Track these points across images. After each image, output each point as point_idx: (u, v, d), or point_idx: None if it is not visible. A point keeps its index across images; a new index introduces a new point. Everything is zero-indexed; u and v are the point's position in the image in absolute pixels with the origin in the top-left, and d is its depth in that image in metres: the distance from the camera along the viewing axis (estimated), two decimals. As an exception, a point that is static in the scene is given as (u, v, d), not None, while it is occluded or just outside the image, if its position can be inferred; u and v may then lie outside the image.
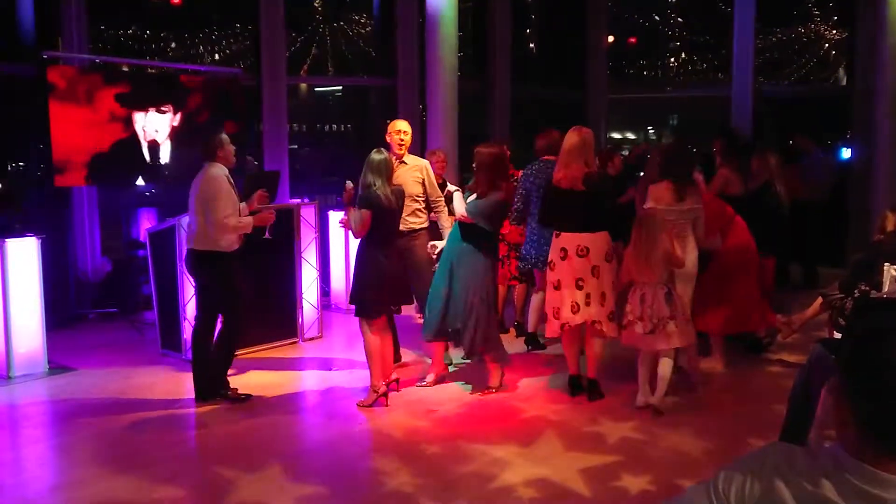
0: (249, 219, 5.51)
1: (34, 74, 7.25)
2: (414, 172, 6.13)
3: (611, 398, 5.45)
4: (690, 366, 5.78)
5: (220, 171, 5.41)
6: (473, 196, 5.59)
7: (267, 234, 5.79)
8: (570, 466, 4.42)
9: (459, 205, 5.70)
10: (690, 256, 5.57)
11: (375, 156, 5.26)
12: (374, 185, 5.20)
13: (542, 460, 4.51)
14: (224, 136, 5.58)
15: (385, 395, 5.35)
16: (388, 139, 6.18)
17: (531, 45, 11.93)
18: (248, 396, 5.54)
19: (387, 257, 5.32)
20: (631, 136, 17.90)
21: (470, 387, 5.76)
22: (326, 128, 15.07)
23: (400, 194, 5.42)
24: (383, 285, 5.30)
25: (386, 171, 5.27)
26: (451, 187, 6.52)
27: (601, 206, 5.38)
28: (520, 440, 4.79)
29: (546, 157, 6.38)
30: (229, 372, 5.64)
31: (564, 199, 5.41)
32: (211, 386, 5.50)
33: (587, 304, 5.35)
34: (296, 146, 13.00)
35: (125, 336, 7.37)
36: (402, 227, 6.05)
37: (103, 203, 8.79)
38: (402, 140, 6.11)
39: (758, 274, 6.16)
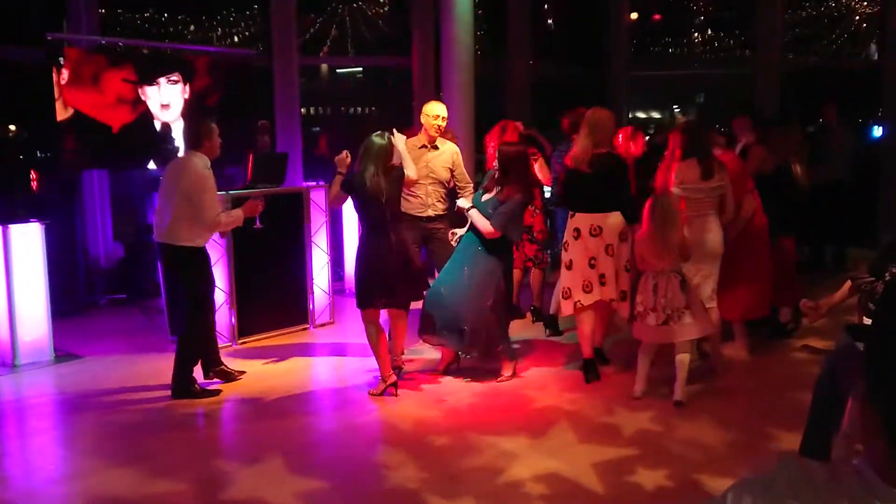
0: (238, 212, 5.33)
1: (41, 58, 7.12)
2: (444, 158, 5.99)
3: (628, 387, 5.22)
4: (713, 352, 5.56)
5: (203, 162, 5.18)
6: (490, 195, 5.37)
7: (257, 223, 5.57)
8: (582, 460, 4.23)
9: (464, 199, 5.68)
10: (716, 236, 5.33)
11: (376, 140, 5.02)
12: (366, 170, 4.98)
13: (554, 453, 4.32)
14: (213, 126, 5.29)
15: (394, 384, 5.17)
16: (422, 121, 5.97)
17: (549, 22, 11.63)
18: (218, 391, 5.35)
19: (378, 247, 5.07)
20: (656, 115, 17.56)
21: (478, 379, 5.57)
22: (352, 110, 14.91)
23: (396, 181, 5.12)
24: (371, 275, 5.07)
25: (383, 157, 5.04)
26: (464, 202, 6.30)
27: (610, 187, 5.32)
28: (531, 431, 4.61)
29: (574, 137, 6.17)
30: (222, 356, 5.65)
31: (575, 179, 5.41)
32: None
33: (602, 283, 5.33)
34: (318, 129, 12.89)
35: (135, 323, 7.28)
36: (426, 213, 5.90)
37: (117, 188, 8.70)
38: (440, 126, 5.94)
39: (773, 255, 5.89)
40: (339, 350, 6.36)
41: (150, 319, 7.21)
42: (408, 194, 5.91)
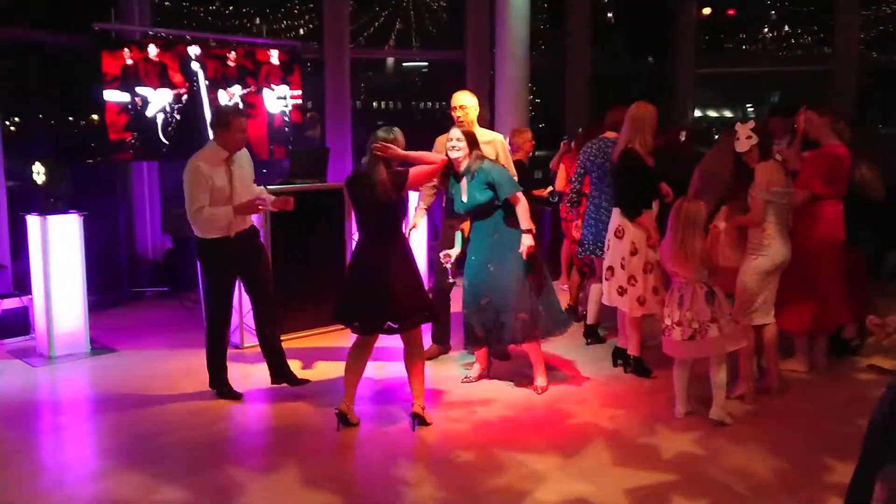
0: (227, 209, 4.88)
1: (87, 46, 7.10)
2: (485, 149, 5.64)
3: (673, 404, 4.87)
4: (769, 368, 5.16)
5: (205, 154, 4.92)
6: (466, 178, 5.01)
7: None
8: (615, 484, 3.92)
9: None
10: (783, 245, 4.93)
11: (381, 135, 4.52)
12: (369, 169, 4.49)
13: (585, 475, 4.02)
14: (231, 118, 4.95)
15: (343, 416, 4.57)
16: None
17: (609, 15, 11.24)
18: (239, 395, 5.15)
19: (368, 258, 4.49)
20: (728, 114, 16.94)
21: (513, 387, 5.29)
22: (422, 105, 14.77)
23: (396, 182, 4.45)
24: (356, 291, 4.52)
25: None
26: None
27: (630, 184, 5.27)
28: (563, 450, 4.31)
29: (606, 135, 5.85)
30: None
31: (614, 175, 5.47)
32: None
33: (632, 284, 5.34)
34: (381, 123, 12.77)
35: (176, 316, 7.21)
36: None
37: (167, 179, 8.67)
38: (460, 118, 5.59)
39: (846, 266, 5.44)
40: (373, 354, 6.14)
41: (191, 313, 7.14)
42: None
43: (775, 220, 4.87)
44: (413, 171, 4.54)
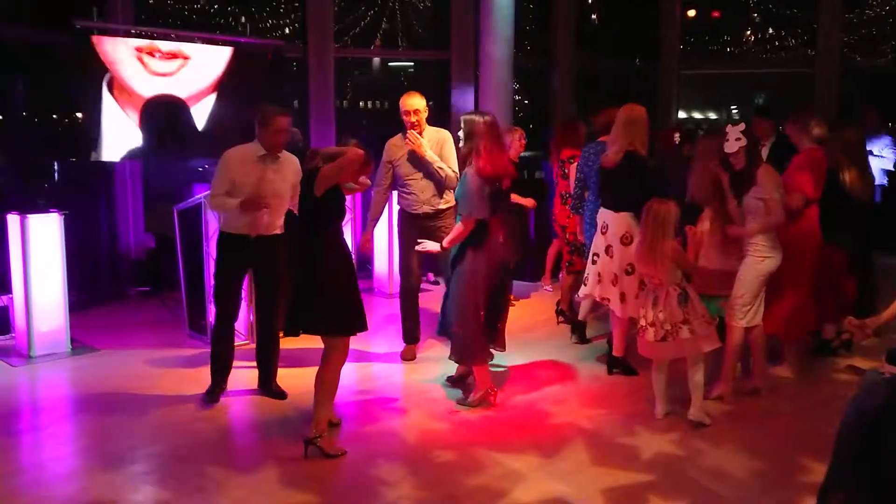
0: (233, 202, 4.79)
1: (68, 44, 7.06)
2: (433, 145, 5.65)
3: (654, 404, 4.88)
4: (755, 370, 5.17)
5: (235, 150, 4.92)
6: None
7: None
8: (592, 484, 3.94)
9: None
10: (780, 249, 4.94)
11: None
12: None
13: (563, 475, 4.04)
14: (271, 116, 4.85)
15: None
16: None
17: (593, 17, 11.29)
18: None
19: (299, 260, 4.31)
20: (713, 115, 17.01)
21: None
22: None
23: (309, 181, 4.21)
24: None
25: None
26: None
27: (625, 186, 5.25)
28: (542, 450, 4.32)
29: (603, 139, 5.85)
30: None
31: (601, 173, 5.47)
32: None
33: (598, 281, 5.42)
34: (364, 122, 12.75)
35: (158, 315, 7.18)
36: (422, 209, 5.63)
37: (152, 178, 8.64)
38: (415, 123, 5.57)
39: (821, 268, 5.45)
40: (353, 354, 6.13)
41: (173, 313, 7.11)
42: (403, 191, 5.71)
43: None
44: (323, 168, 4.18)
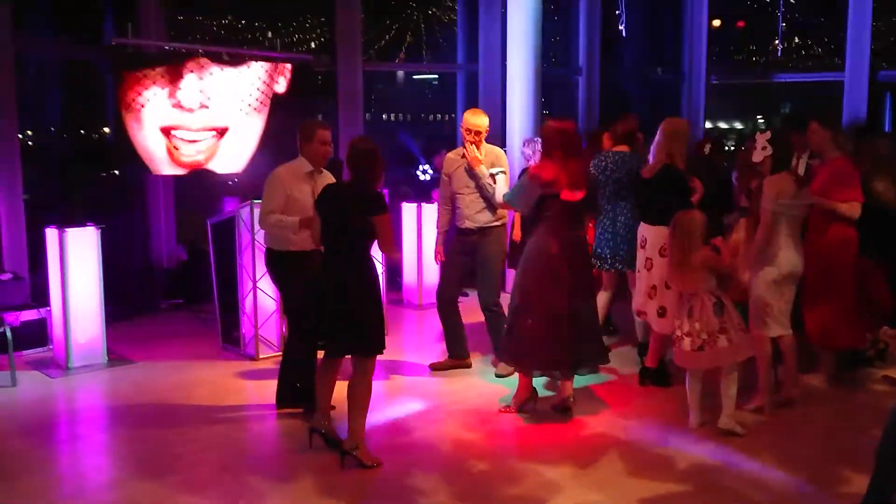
0: (292, 220, 4.76)
1: (104, 60, 7.19)
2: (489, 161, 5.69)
3: (686, 415, 4.88)
4: (785, 380, 5.13)
5: (285, 167, 4.91)
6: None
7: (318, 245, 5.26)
8: (628, 495, 3.94)
9: (501, 187, 5.54)
10: (794, 255, 4.90)
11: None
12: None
13: (599, 485, 4.04)
14: (317, 130, 4.90)
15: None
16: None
17: (620, 28, 11.30)
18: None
19: (328, 276, 4.23)
20: (739, 125, 16.95)
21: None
22: (431, 117, 14.85)
23: (369, 210, 4.14)
24: (317, 309, 4.24)
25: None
26: (494, 169, 5.67)
27: (663, 199, 5.24)
28: (578, 460, 4.33)
29: (618, 148, 5.89)
30: None
31: (639, 186, 5.54)
32: (290, 394, 5.01)
33: (647, 294, 5.41)
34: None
35: (192, 328, 7.26)
36: (465, 224, 5.66)
37: (186, 191, 8.74)
38: (474, 141, 5.59)
39: (861, 280, 5.40)
40: (388, 364, 6.17)
41: (206, 325, 7.19)
42: (453, 205, 5.77)
43: (785, 231, 4.85)
44: (381, 223, 4.14)
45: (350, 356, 4.27)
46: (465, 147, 5.67)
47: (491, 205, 5.65)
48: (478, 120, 5.62)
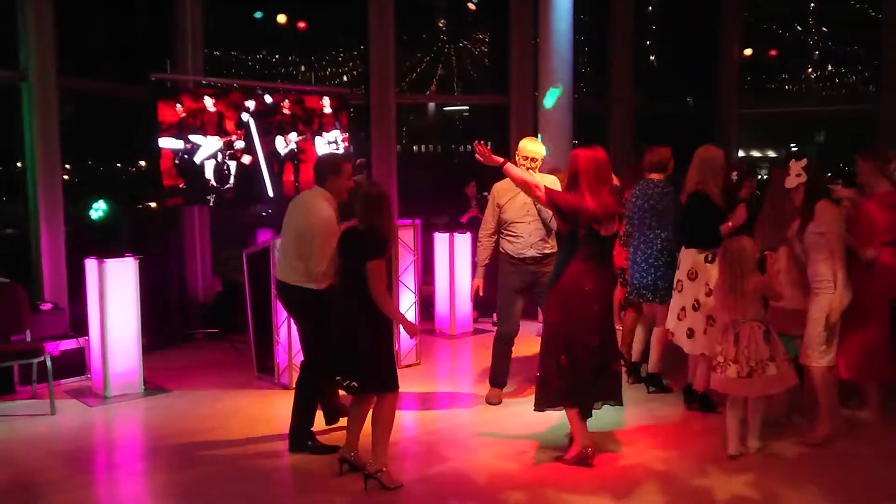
0: None
1: (142, 95, 7.36)
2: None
3: (724, 445, 4.82)
4: (824, 416, 5.02)
5: (324, 203, 4.79)
6: None
7: None
8: (668, 527, 3.89)
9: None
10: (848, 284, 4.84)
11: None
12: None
13: (637, 517, 3.99)
14: (343, 164, 4.93)
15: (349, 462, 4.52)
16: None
17: (651, 58, 11.34)
18: (334, 448, 4.73)
19: (342, 315, 4.38)
20: (772, 153, 16.83)
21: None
22: (461, 148, 14.93)
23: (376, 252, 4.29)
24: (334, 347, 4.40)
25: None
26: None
27: (693, 223, 5.39)
28: (615, 491, 4.28)
29: (649, 176, 5.89)
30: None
31: (682, 216, 5.61)
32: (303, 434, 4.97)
33: (677, 316, 5.49)
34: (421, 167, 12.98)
35: (228, 357, 7.32)
36: (528, 253, 5.64)
37: (220, 223, 8.87)
38: (530, 168, 5.56)
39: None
40: (423, 394, 6.18)
41: (241, 355, 7.24)
42: (508, 235, 5.70)
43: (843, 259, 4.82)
44: (371, 269, 4.24)
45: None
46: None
47: (549, 229, 5.61)
48: (535, 147, 5.63)
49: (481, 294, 5.90)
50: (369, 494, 4.27)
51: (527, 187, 4.65)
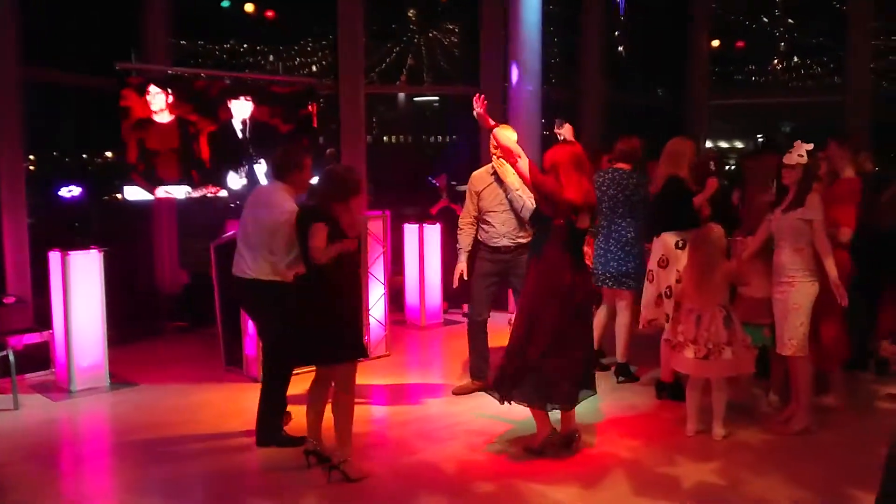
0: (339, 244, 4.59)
1: (109, 87, 7.25)
2: (517, 184, 5.56)
3: (692, 436, 4.89)
4: (797, 399, 5.08)
5: (290, 199, 4.76)
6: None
7: None
8: (635, 515, 3.92)
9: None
10: None
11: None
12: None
13: (605, 506, 4.02)
14: (306, 160, 4.93)
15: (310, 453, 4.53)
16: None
17: (620, 49, 11.39)
18: (303, 440, 4.65)
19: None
20: (740, 144, 17.00)
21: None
22: (432, 139, 14.90)
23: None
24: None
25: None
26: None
27: (664, 211, 5.51)
28: (584, 480, 4.31)
29: (618, 165, 5.95)
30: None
31: (652, 202, 5.76)
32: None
33: (655, 304, 5.58)
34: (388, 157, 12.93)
35: (196, 350, 7.26)
36: (502, 243, 5.63)
37: (189, 214, 8.77)
38: (499, 155, 5.48)
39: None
40: (393, 385, 6.17)
41: (209, 348, 7.18)
42: (484, 223, 5.69)
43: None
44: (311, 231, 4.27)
45: (331, 371, 4.38)
46: (493, 163, 5.62)
47: (521, 219, 5.59)
48: (510, 135, 5.56)
49: (465, 279, 5.88)
50: (335, 486, 4.25)
51: (509, 155, 4.68)
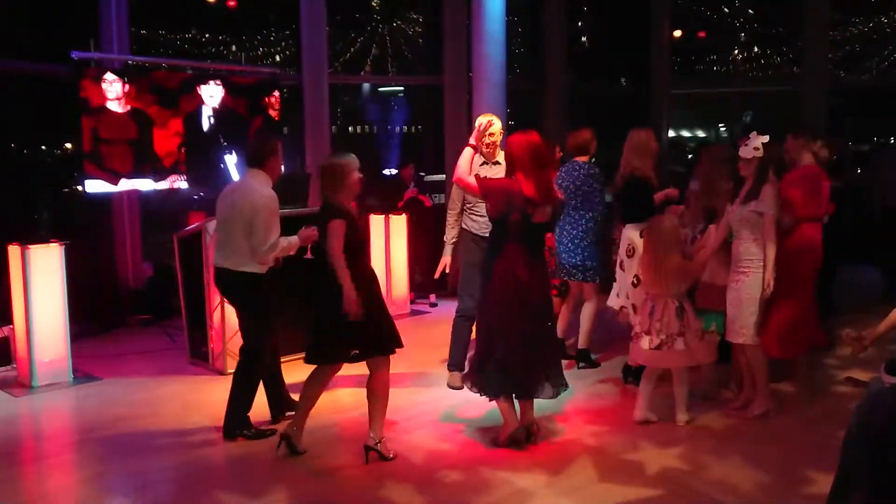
0: (293, 238, 4.79)
1: (66, 75, 7.13)
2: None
3: (654, 422, 4.97)
4: (752, 385, 5.18)
5: (268, 185, 4.81)
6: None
7: (308, 253, 5.15)
8: (600, 500, 3.98)
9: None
10: None
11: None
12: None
13: (571, 492, 4.07)
14: (278, 144, 4.96)
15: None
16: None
17: (583, 40, 11.47)
18: (271, 433, 4.81)
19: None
20: (702, 133, 17.20)
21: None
22: (397, 129, 14.88)
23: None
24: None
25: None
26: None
27: (628, 202, 5.63)
28: (549, 467, 4.36)
29: (575, 158, 6.03)
30: None
31: (615, 193, 5.92)
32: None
33: (626, 294, 5.64)
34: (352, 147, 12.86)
35: (160, 343, 7.19)
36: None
37: (152, 207, 8.67)
38: (490, 143, 5.47)
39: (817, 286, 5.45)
40: (359, 375, 6.12)
41: (174, 341, 7.13)
42: (472, 213, 5.65)
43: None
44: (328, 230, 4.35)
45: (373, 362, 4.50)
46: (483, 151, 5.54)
47: None
48: (497, 125, 5.51)
49: (447, 271, 5.87)
50: (303, 478, 4.25)
51: (467, 190, 4.89)
